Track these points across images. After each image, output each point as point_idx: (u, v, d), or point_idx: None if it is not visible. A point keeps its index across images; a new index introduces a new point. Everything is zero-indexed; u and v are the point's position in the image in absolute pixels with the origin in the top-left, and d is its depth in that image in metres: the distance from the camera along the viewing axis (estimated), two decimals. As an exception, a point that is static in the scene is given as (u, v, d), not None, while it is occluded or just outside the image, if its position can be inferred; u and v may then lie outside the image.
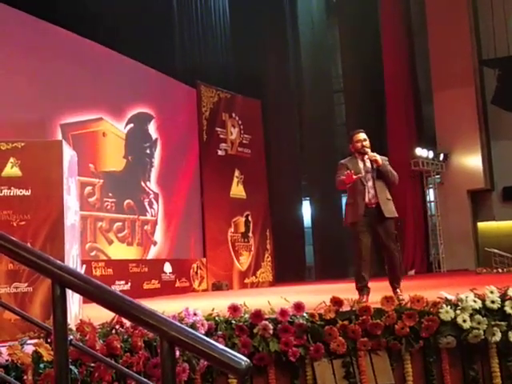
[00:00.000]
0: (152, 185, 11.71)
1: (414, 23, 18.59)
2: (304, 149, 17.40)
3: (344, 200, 5.95)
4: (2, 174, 3.99)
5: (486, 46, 17.65)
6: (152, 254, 11.51)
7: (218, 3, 14.67)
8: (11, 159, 4.01)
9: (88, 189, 10.08)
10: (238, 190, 13.62)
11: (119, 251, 10.69)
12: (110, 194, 10.58)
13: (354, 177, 5.36)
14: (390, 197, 5.58)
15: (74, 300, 4.16)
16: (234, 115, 13.79)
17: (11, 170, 4.00)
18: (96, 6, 10.30)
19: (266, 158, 14.81)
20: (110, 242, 10.56)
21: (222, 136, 13.40)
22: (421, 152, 16.91)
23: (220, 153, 13.28)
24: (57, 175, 4.07)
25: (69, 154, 4.34)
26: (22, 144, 4.07)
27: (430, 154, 17.18)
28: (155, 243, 11.62)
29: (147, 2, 12.07)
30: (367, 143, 5.63)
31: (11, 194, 3.98)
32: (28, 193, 4.00)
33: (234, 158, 13.64)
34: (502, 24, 16.91)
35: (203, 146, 12.95)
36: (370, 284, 5.47)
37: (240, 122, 13.91)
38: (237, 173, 13.61)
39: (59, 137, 9.36)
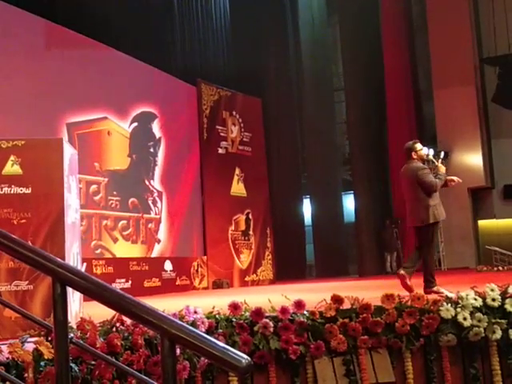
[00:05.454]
0: (156, 183, 11.75)
1: (415, 21, 18.55)
2: (304, 147, 17.40)
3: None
4: (2, 172, 3.99)
5: (486, 43, 17.61)
6: (156, 251, 11.54)
7: (218, 1, 14.65)
8: (12, 157, 4.01)
9: (93, 187, 10.14)
10: (238, 188, 13.61)
11: (124, 249, 10.73)
12: (115, 193, 10.62)
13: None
14: None
15: (74, 298, 4.16)
16: (234, 113, 13.78)
17: (12, 168, 4.00)
18: (98, 6, 10.32)
19: (266, 156, 14.80)
20: (115, 240, 10.61)
21: (222, 134, 13.39)
22: (421, 150, 16.85)
23: (220, 151, 13.27)
24: (57, 173, 4.06)
25: (69, 153, 4.33)
26: (23, 142, 4.07)
27: (431, 152, 17.12)
28: (159, 241, 11.65)
29: (148, 1, 12.07)
30: None
31: (12, 192, 3.98)
32: (28, 191, 4.00)
33: (235, 156, 13.63)
34: (503, 22, 16.86)
35: (204, 144, 12.93)
36: (370, 281, 5.57)
37: (240, 120, 13.90)
38: (237, 171, 13.61)
39: (65, 136, 9.42)
